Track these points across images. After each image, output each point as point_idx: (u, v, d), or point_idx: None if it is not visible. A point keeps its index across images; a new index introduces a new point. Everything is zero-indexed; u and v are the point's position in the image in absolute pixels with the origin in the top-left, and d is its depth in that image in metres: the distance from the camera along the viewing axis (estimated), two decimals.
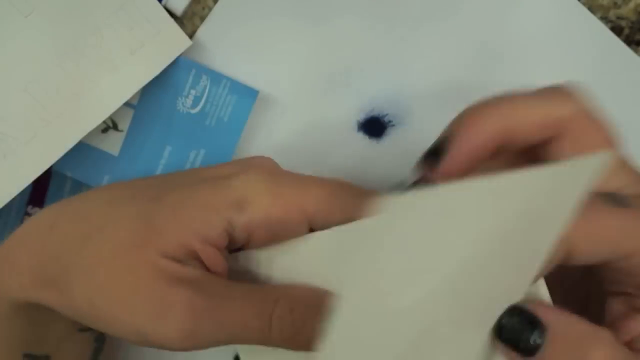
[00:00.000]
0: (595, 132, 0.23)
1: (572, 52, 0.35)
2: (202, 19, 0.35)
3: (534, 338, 0.19)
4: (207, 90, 0.35)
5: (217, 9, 0.35)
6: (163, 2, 0.34)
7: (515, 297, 0.20)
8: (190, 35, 0.35)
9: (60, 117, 0.32)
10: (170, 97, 0.35)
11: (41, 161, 0.32)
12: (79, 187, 0.36)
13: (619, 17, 0.35)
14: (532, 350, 0.19)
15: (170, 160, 0.36)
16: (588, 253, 0.21)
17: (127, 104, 0.35)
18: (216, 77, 0.35)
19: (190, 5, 0.35)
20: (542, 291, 0.21)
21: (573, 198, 0.20)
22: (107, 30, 0.32)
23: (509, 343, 0.20)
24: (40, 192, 0.36)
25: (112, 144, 0.35)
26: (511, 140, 0.23)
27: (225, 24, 0.35)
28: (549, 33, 0.35)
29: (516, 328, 0.19)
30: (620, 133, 0.24)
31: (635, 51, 0.35)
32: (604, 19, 0.35)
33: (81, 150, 0.35)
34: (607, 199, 0.21)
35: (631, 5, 0.35)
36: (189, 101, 0.35)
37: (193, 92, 0.35)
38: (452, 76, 0.36)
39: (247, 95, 0.35)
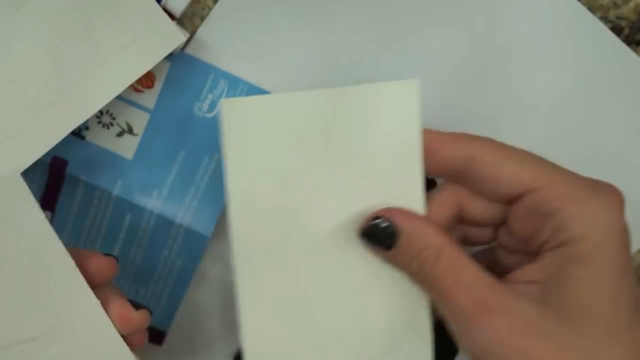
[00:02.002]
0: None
1: (572, 52, 0.35)
2: (202, 19, 0.35)
3: (389, 241, 0.23)
4: (224, 95, 0.35)
5: (217, 9, 0.35)
6: (163, 2, 0.33)
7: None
8: (191, 35, 0.35)
9: (49, 110, 0.31)
10: (187, 102, 0.35)
11: (29, 154, 0.31)
12: (91, 190, 0.35)
13: (619, 17, 0.35)
14: (389, 246, 0.23)
15: (183, 165, 0.36)
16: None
17: (143, 108, 0.35)
18: (234, 82, 0.35)
19: (190, 5, 0.35)
20: (419, 198, 0.26)
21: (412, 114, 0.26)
22: (99, 23, 0.32)
23: (371, 243, 0.24)
24: (52, 195, 0.36)
25: (127, 147, 0.35)
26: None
27: (225, 24, 0.35)
28: (548, 33, 0.35)
29: (374, 233, 0.24)
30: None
31: (635, 51, 0.35)
32: (604, 19, 0.35)
33: (95, 153, 0.35)
34: None
35: (631, 5, 0.35)
36: (206, 106, 0.35)
37: (210, 96, 0.35)
38: (452, 76, 0.36)
39: None
